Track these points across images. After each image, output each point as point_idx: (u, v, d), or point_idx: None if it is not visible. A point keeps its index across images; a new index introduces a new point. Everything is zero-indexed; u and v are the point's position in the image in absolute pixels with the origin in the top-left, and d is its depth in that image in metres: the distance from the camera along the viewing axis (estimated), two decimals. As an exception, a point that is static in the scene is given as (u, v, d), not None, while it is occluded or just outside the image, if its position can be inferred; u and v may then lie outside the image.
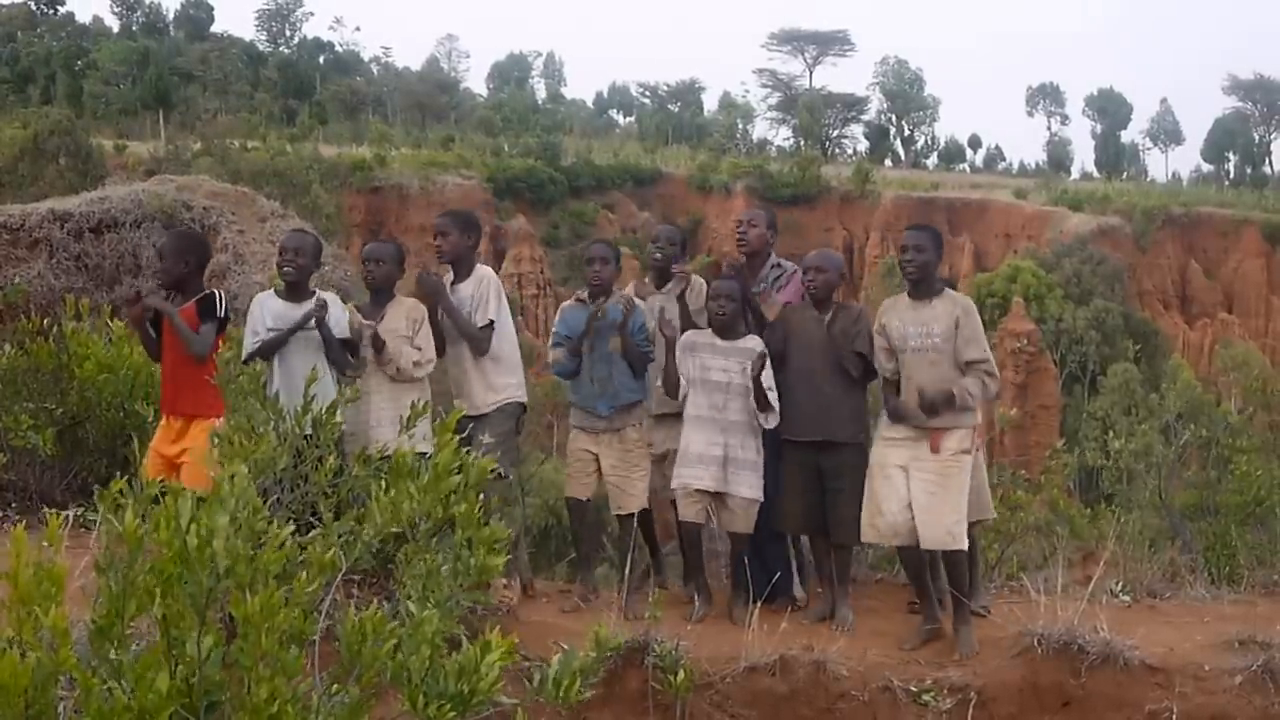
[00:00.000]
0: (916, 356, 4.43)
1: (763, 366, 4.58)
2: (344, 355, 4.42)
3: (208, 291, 4.50)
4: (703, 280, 5.11)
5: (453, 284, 4.77)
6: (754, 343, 4.70)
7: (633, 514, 4.74)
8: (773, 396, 4.60)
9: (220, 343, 4.30)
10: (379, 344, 4.49)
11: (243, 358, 4.29)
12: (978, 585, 4.75)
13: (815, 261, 4.78)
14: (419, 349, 4.57)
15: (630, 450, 4.77)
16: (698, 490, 4.63)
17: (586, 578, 4.90)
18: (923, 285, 4.50)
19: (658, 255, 5.04)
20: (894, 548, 4.71)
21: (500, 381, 4.73)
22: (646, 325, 4.76)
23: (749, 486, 4.62)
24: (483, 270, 4.83)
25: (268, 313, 4.45)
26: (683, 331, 4.87)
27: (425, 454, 2.96)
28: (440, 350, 4.71)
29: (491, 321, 4.69)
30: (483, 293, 4.71)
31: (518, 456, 5.09)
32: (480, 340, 4.67)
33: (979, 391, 4.37)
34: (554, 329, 5.01)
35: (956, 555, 4.41)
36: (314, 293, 4.48)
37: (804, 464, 4.67)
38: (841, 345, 4.65)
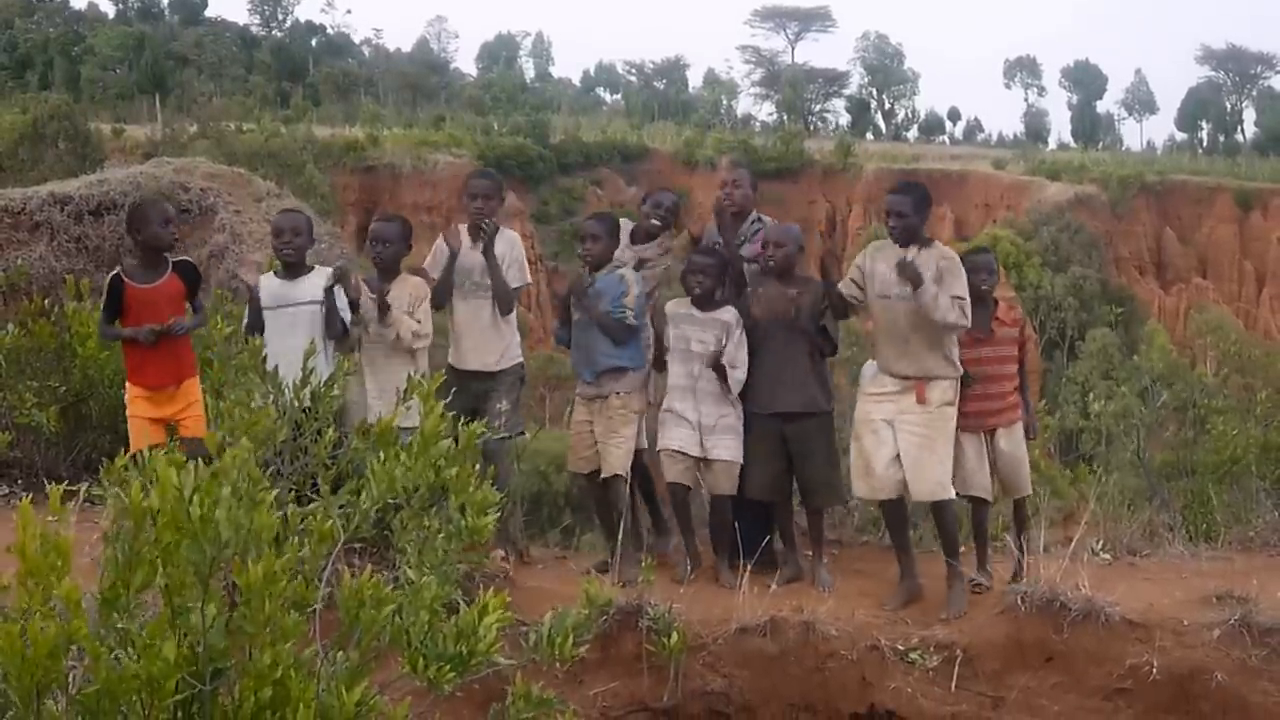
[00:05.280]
0: (899, 304, 4.46)
1: (723, 344, 4.70)
2: (340, 324, 4.47)
3: (183, 259, 4.56)
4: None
5: None
6: (729, 315, 4.79)
7: (618, 477, 4.79)
8: (736, 374, 4.69)
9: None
10: (384, 307, 4.53)
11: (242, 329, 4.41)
12: (1027, 554, 4.71)
13: (774, 236, 4.82)
14: (418, 322, 4.62)
15: (612, 416, 4.83)
16: (680, 452, 4.73)
17: (613, 547, 4.94)
18: (910, 242, 4.54)
19: (656, 222, 5.09)
20: (877, 507, 4.80)
21: (512, 340, 4.88)
22: (629, 295, 4.80)
23: (727, 450, 4.74)
24: (511, 234, 4.96)
25: (264, 292, 4.54)
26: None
27: (412, 427, 2.97)
28: (444, 299, 4.79)
29: (523, 285, 4.86)
30: (517, 256, 4.87)
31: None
32: (512, 299, 4.83)
33: (946, 305, 4.34)
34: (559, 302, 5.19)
35: (946, 507, 4.49)
36: (311, 269, 4.57)
37: (769, 433, 4.74)
38: (806, 319, 4.70)
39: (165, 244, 4.47)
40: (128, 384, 4.49)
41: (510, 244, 4.87)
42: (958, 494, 4.59)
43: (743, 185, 5.17)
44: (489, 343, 4.78)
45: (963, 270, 4.48)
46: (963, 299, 4.42)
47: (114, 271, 4.61)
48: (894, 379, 4.49)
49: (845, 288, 4.64)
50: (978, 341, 4.64)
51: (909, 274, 4.32)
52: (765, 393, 4.74)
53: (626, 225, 5.15)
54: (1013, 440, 4.70)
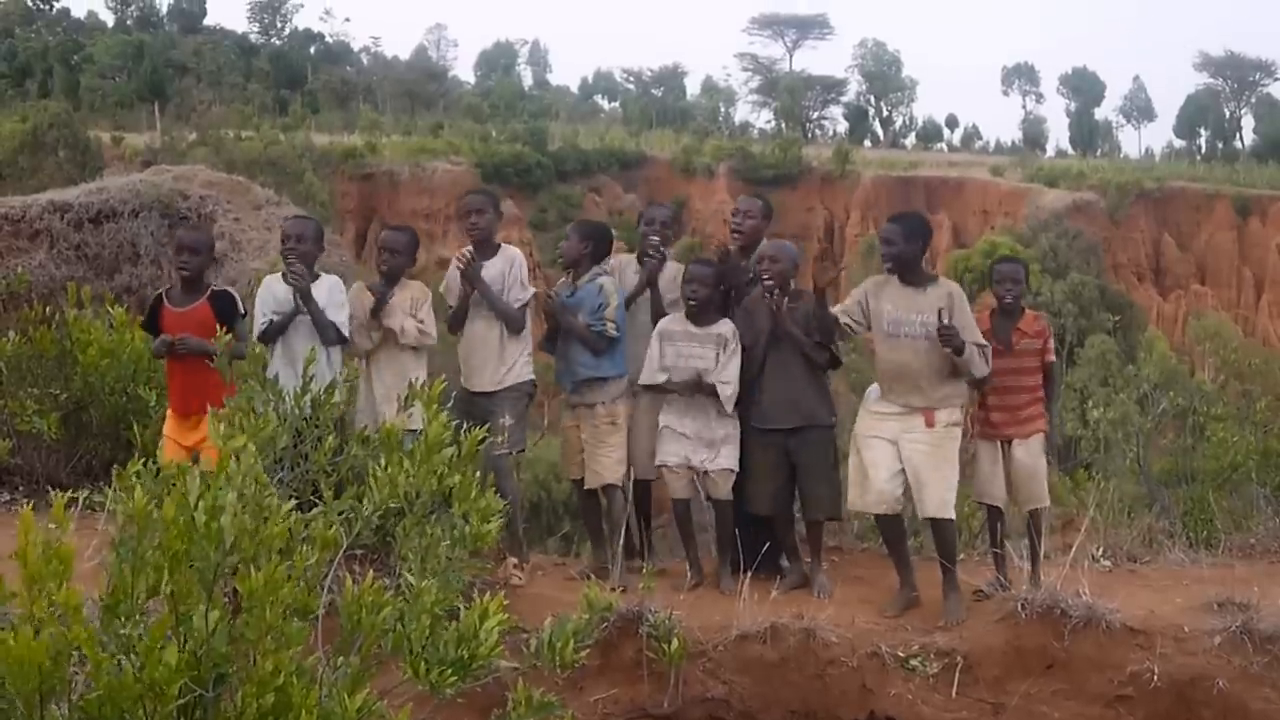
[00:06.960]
0: (908, 343, 4.44)
1: (729, 358, 4.69)
2: (333, 330, 4.45)
3: (222, 289, 4.53)
4: (679, 265, 5.12)
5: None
6: (725, 328, 4.79)
7: (615, 485, 4.80)
8: (726, 390, 4.67)
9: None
10: (380, 304, 4.53)
11: (254, 338, 4.38)
12: (1039, 564, 4.64)
13: (769, 252, 4.77)
14: (420, 321, 4.62)
15: (598, 426, 4.83)
16: (679, 467, 4.73)
17: (599, 553, 4.95)
18: (908, 273, 4.50)
19: (655, 238, 5.03)
20: (873, 521, 4.80)
21: (515, 359, 4.77)
22: (609, 307, 4.77)
23: (726, 459, 4.75)
24: (511, 250, 4.88)
25: (272, 297, 4.52)
26: (653, 317, 4.93)
27: (416, 430, 2.99)
28: (457, 326, 4.76)
29: (527, 300, 4.77)
30: (516, 272, 4.77)
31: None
32: (518, 319, 4.72)
33: (980, 364, 4.40)
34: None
35: (946, 525, 4.49)
36: (318, 276, 4.53)
37: (771, 448, 4.74)
38: (802, 334, 4.69)
39: (183, 270, 4.48)
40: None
41: (510, 261, 4.78)
42: (976, 501, 4.57)
43: (754, 216, 5.06)
44: (491, 363, 4.72)
45: (968, 307, 4.46)
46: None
47: (159, 291, 4.67)
48: (900, 405, 4.48)
49: (844, 317, 4.58)
50: (995, 354, 4.58)
51: (953, 343, 4.31)
52: (766, 408, 4.73)
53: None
54: (1029, 451, 4.64)
